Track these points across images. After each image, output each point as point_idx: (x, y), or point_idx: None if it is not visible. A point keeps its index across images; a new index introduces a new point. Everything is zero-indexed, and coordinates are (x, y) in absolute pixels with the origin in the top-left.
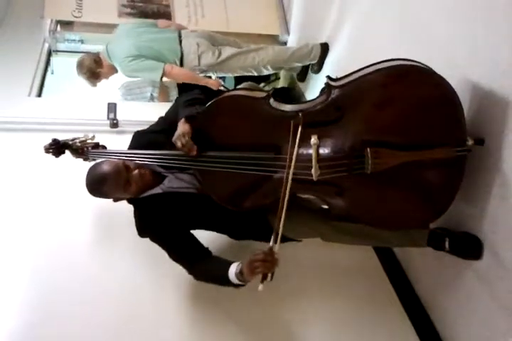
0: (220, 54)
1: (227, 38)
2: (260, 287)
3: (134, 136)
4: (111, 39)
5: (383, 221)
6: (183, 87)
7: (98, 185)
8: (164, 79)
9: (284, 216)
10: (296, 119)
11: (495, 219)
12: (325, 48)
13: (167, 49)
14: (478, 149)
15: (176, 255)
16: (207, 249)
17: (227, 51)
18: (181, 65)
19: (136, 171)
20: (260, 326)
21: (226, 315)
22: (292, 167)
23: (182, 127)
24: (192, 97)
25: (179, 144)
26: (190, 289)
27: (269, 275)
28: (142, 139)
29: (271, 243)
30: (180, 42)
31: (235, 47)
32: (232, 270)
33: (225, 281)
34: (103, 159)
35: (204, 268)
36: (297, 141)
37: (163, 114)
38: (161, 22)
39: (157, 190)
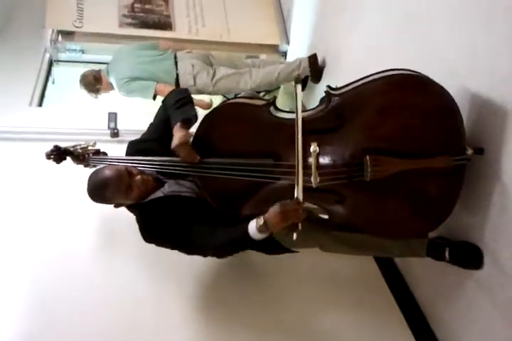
0: (214, 74)
1: (221, 58)
2: (295, 235)
3: (128, 147)
4: (112, 59)
5: (382, 229)
6: None
7: (100, 190)
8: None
9: (301, 170)
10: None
11: (495, 228)
12: (313, 59)
13: (162, 71)
14: (477, 158)
15: (188, 250)
16: (215, 227)
17: (222, 71)
18: (177, 85)
19: (139, 177)
20: (260, 335)
21: (229, 325)
22: (300, 152)
23: (179, 134)
24: (180, 97)
25: (181, 153)
26: (193, 296)
27: (300, 224)
28: (135, 148)
29: (295, 194)
30: (176, 63)
31: (231, 67)
32: (253, 224)
33: (246, 240)
34: (104, 165)
35: (222, 236)
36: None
37: None
38: (162, 43)
39: (158, 194)
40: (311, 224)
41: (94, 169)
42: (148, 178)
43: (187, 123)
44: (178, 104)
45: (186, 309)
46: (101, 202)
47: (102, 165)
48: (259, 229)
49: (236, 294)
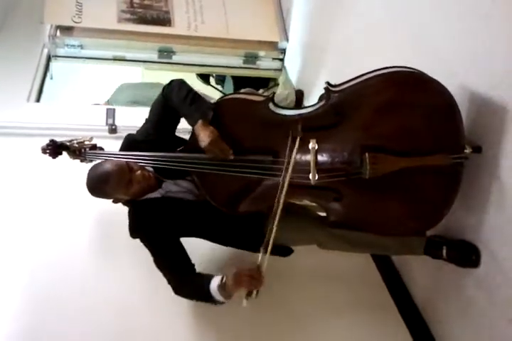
0: None
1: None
2: (244, 302)
3: (125, 141)
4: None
5: (379, 227)
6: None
7: (101, 183)
8: None
9: (273, 236)
10: (295, 132)
11: (493, 227)
12: (299, 95)
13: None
14: (475, 157)
15: (161, 262)
16: (193, 264)
17: None
18: None
19: (139, 172)
20: (257, 333)
21: (227, 324)
22: (286, 185)
23: (206, 132)
24: (185, 92)
25: (215, 151)
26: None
27: (255, 292)
28: (132, 146)
29: (259, 261)
30: None
31: None
32: (215, 283)
33: (205, 295)
34: (101, 160)
35: (185, 280)
36: (293, 155)
37: None
38: None
39: (156, 195)
40: (309, 221)
41: (90, 164)
42: (149, 174)
43: (208, 119)
44: (188, 99)
45: (184, 309)
46: (100, 197)
47: (98, 160)
48: (219, 290)
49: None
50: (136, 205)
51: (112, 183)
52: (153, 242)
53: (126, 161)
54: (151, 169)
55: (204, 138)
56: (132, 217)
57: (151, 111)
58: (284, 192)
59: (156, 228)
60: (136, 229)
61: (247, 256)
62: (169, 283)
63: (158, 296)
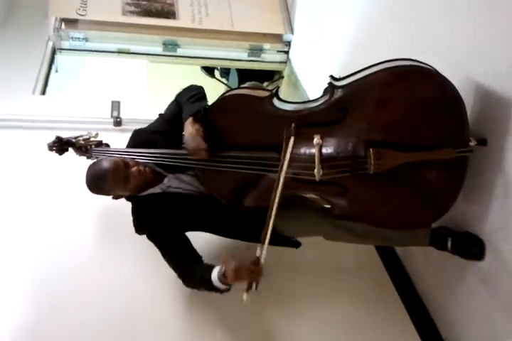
0: None
1: None
2: (245, 296)
3: (132, 134)
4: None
5: (385, 221)
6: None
7: (98, 181)
8: None
9: (270, 231)
10: (289, 131)
11: (498, 220)
12: None
13: None
14: (480, 149)
15: (168, 256)
16: (199, 256)
17: None
18: None
19: (135, 168)
20: (261, 327)
21: (230, 315)
22: (282, 180)
23: (192, 127)
24: (195, 92)
25: (191, 146)
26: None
27: (254, 284)
28: (139, 138)
29: (257, 253)
30: None
31: None
32: (215, 273)
33: (209, 285)
34: (105, 157)
35: (193, 271)
36: (288, 154)
37: None
38: None
39: (156, 190)
40: (314, 212)
41: (95, 160)
42: (145, 169)
43: (197, 116)
44: (192, 99)
45: (188, 297)
46: (100, 194)
47: (104, 157)
48: (220, 279)
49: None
50: (137, 201)
51: (109, 180)
52: (157, 237)
53: (123, 158)
54: (153, 164)
55: (187, 133)
56: (135, 213)
57: (166, 108)
58: (280, 186)
59: (158, 223)
60: (140, 226)
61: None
62: (179, 277)
63: (163, 285)
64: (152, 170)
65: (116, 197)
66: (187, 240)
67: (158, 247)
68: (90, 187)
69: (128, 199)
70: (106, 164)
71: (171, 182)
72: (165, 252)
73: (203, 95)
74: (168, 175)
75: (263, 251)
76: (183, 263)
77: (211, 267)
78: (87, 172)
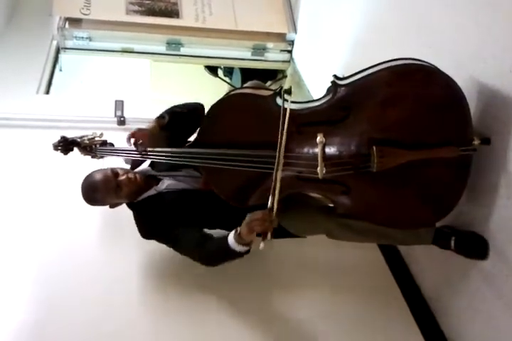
0: None
1: None
2: (261, 245)
3: None
4: None
5: (388, 220)
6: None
7: (91, 192)
8: None
9: (279, 177)
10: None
11: (501, 219)
12: None
13: None
14: (484, 149)
15: (182, 247)
16: (210, 235)
17: None
18: None
19: (125, 176)
20: (264, 323)
21: (232, 311)
22: (284, 140)
23: (146, 129)
24: (188, 106)
25: (132, 143)
26: (193, 285)
27: (269, 233)
28: None
29: (269, 204)
30: None
31: None
32: (231, 237)
33: (228, 252)
34: (110, 157)
35: (210, 247)
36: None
37: None
38: None
39: (152, 192)
40: (317, 210)
41: (101, 160)
42: (134, 176)
43: (160, 118)
44: (180, 107)
45: (186, 301)
46: (96, 205)
47: (109, 156)
48: (236, 240)
49: (239, 281)
50: (136, 207)
51: (101, 190)
52: (164, 238)
53: (111, 168)
54: (147, 169)
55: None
56: (137, 220)
57: None
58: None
59: (162, 222)
60: (147, 230)
61: None
62: (200, 261)
63: (163, 285)
64: (143, 177)
65: (112, 206)
66: (191, 228)
67: (168, 245)
68: (86, 199)
69: (129, 206)
70: (96, 176)
71: (166, 183)
72: (176, 246)
73: (187, 108)
74: (163, 178)
75: (274, 203)
76: (197, 246)
77: (225, 236)
78: (81, 187)
